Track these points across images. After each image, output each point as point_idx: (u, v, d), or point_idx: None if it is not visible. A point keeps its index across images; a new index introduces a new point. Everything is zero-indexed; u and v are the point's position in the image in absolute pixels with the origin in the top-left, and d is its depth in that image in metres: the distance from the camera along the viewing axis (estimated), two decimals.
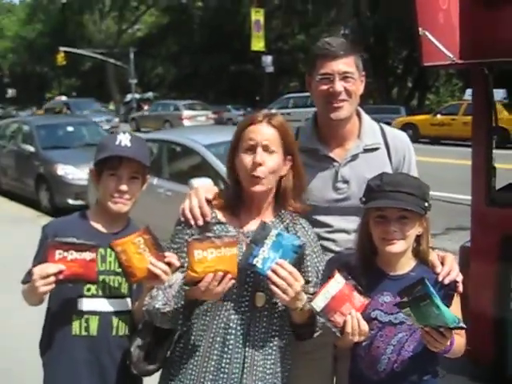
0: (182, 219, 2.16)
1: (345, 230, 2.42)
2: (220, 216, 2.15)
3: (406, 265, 2.16)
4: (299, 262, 2.08)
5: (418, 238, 2.15)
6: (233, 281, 1.90)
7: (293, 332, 2.14)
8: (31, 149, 11.82)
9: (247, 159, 2.07)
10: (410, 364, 2.09)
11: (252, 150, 2.07)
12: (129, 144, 2.20)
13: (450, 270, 2.15)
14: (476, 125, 3.93)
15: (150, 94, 50.57)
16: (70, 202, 10.41)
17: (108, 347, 2.21)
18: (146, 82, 50.14)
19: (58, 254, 1.99)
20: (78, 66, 51.72)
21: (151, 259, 2.00)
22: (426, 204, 2.09)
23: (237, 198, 2.15)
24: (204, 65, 41.71)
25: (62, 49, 42.75)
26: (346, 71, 2.34)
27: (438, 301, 1.86)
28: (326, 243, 2.37)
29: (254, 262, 1.92)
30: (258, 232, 1.98)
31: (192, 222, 2.12)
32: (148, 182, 2.34)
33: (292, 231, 2.15)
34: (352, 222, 2.37)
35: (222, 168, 6.70)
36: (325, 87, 2.35)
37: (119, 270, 2.12)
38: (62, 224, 2.31)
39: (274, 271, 1.92)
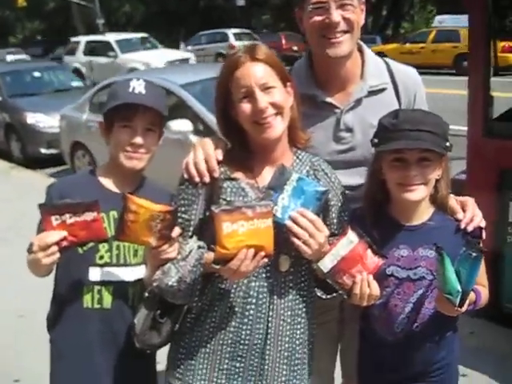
0: (186, 176, 1.89)
1: (349, 186, 2.14)
2: (230, 171, 1.88)
3: (424, 213, 1.95)
4: (324, 213, 1.88)
5: (435, 182, 1.92)
6: (266, 259, 1.67)
7: (317, 287, 1.95)
8: None
9: (247, 107, 1.80)
10: (430, 322, 1.91)
11: (248, 96, 1.80)
12: (143, 91, 1.95)
13: (472, 216, 1.94)
14: (472, 52, 3.69)
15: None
16: (43, 151, 10.14)
17: (123, 319, 2.02)
18: (114, 22, 48.33)
19: (55, 219, 1.77)
20: (40, 7, 49.54)
21: (153, 241, 1.75)
22: (447, 143, 1.86)
23: (246, 155, 1.89)
24: (172, 1, 40.28)
25: None
26: None
27: (448, 262, 1.68)
28: None
29: (273, 211, 1.70)
30: (276, 177, 1.75)
31: (197, 179, 1.86)
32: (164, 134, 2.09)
33: (313, 179, 1.92)
34: (357, 176, 2.12)
35: (200, 108, 6.46)
36: (319, 18, 2.02)
37: None
38: (68, 184, 2.10)
39: (293, 220, 1.71)
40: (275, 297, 1.84)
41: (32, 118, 10.25)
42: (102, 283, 1.99)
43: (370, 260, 1.76)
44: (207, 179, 1.85)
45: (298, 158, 1.96)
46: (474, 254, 1.69)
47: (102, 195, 1.96)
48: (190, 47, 29.47)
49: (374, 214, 1.95)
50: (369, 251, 1.76)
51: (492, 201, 3.73)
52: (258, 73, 1.80)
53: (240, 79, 1.80)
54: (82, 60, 21.87)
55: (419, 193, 1.86)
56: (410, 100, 2.19)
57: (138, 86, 1.95)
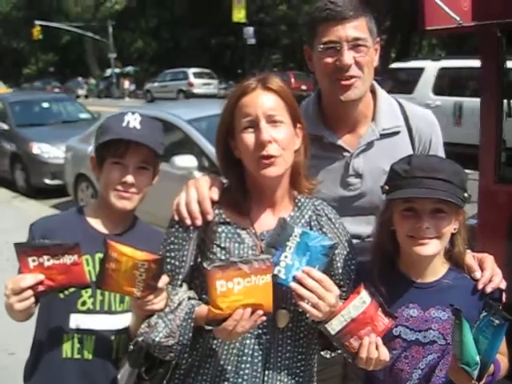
0: (176, 218, 1.72)
1: (358, 235, 1.99)
2: (226, 214, 1.72)
3: (437, 269, 1.78)
4: (329, 266, 1.70)
5: (451, 236, 1.76)
6: (264, 317, 1.51)
7: (322, 346, 1.79)
8: (5, 126, 11.25)
9: (250, 139, 1.64)
10: None
11: (253, 127, 1.64)
12: (138, 126, 1.82)
13: (491, 276, 1.76)
14: (484, 97, 3.59)
15: (130, 69, 49.60)
16: (47, 181, 10.03)
17: (105, 372, 1.83)
18: (126, 57, 49.05)
19: (32, 261, 1.63)
20: (55, 40, 50.42)
21: (137, 292, 1.61)
22: (466, 194, 1.71)
23: (243, 195, 1.73)
24: (184, 38, 40.88)
25: (38, 22, 41.66)
26: (356, 37, 1.87)
27: (467, 328, 1.51)
28: None
29: (276, 272, 1.54)
30: (278, 232, 1.59)
31: (188, 222, 1.69)
32: (159, 174, 1.96)
33: (316, 226, 1.76)
34: (366, 225, 1.97)
35: (205, 144, 6.37)
36: (330, 60, 1.89)
37: None
38: (53, 222, 1.94)
39: (299, 282, 1.53)
40: (272, 355, 1.68)
41: (37, 149, 10.17)
42: (84, 332, 1.83)
43: (380, 322, 1.60)
44: (199, 222, 1.69)
45: (299, 202, 1.80)
46: (497, 322, 1.52)
47: (88, 236, 1.84)
48: (156, 84, 32.97)
49: (382, 268, 1.79)
50: (379, 311, 1.61)
51: (503, 246, 3.58)
52: (267, 102, 1.65)
53: (246, 106, 1.65)
54: None
55: (431, 247, 1.70)
56: (425, 145, 2.06)
57: (132, 121, 1.83)
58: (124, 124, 1.82)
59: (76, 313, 1.82)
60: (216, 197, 1.72)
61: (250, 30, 33.61)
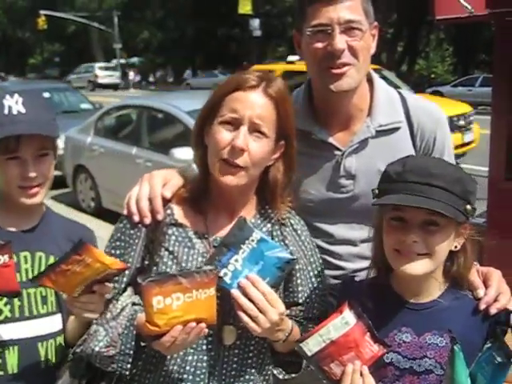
0: (125, 213, 1.59)
1: (350, 241, 1.83)
2: (178, 214, 1.58)
3: (434, 288, 1.56)
4: (287, 278, 1.57)
5: (451, 254, 1.54)
6: (207, 330, 1.38)
7: (275, 363, 1.63)
8: None
9: (223, 135, 1.49)
10: None
11: (233, 125, 1.49)
12: (22, 109, 1.61)
13: (497, 294, 1.54)
14: (497, 90, 3.42)
15: (135, 59, 49.45)
16: None
17: None
18: (131, 47, 48.87)
19: None
20: (60, 30, 50.18)
21: (76, 293, 1.45)
22: (468, 206, 1.46)
23: (203, 189, 1.58)
24: (190, 29, 40.68)
25: (43, 12, 41.48)
26: (349, 19, 1.67)
27: (460, 360, 1.33)
28: (325, 257, 1.79)
29: (221, 274, 1.41)
30: (234, 231, 1.45)
31: (136, 219, 1.56)
32: (58, 150, 1.76)
33: (278, 237, 1.61)
34: (360, 230, 1.79)
35: None
36: (320, 45, 1.69)
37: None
38: None
39: (242, 290, 1.40)
40: (216, 373, 1.53)
41: None
42: (4, 344, 1.62)
43: (367, 348, 1.41)
44: (148, 221, 1.55)
45: (261, 213, 1.65)
46: (499, 360, 1.34)
47: None
48: (74, 75, 37.91)
49: (373, 283, 1.61)
50: (367, 337, 1.42)
51: None
52: (259, 108, 1.50)
53: (237, 101, 1.50)
54: None
55: (418, 266, 1.46)
56: (428, 143, 1.84)
57: (14, 105, 1.60)
58: (6, 111, 1.60)
59: None
60: (169, 195, 1.58)
61: (256, 21, 33.40)
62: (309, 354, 1.41)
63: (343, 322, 1.41)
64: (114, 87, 31.05)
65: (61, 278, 1.43)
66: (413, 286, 1.55)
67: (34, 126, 1.60)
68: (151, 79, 44.79)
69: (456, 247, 1.52)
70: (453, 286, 1.58)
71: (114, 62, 44.03)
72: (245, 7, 31.47)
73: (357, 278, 1.71)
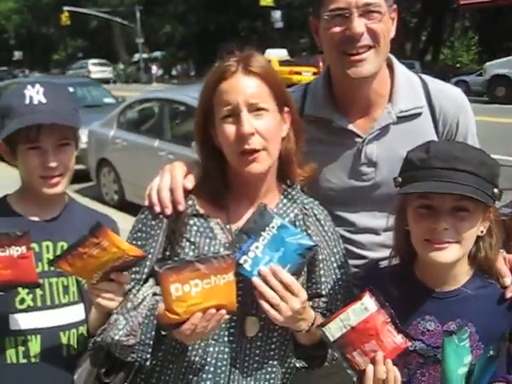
0: (147, 203, 1.57)
1: (372, 230, 1.79)
2: (200, 204, 1.55)
3: (459, 277, 1.52)
4: (310, 267, 1.53)
5: (477, 240, 1.49)
6: (227, 316, 1.35)
7: (298, 356, 1.60)
8: None
9: (230, 130, 1.46)
10: None
11: (233, 115, 1.46)
12: (43, 99, 1.59)
13: None
14: None
15: (157, 54, 49.59)
16: None
17: (58, 375, 1.64)
18: (154, 42, 49.05)
19: None
20: (83, 26, 50.57)
21: (95, 279, 1.44)
22: (495, 190, 1.42)
23: (222, 186, 1.55)
24: (212, 22, 40.65)
25: (66, 8, 41.85)
26: (367, 2, 1.62)
27: (450, 350, 1.33)
28: (347, 246, 1.75)
29: (241, 261, 1.38)
30: (255, 219, 1.42)
31: (158, 209, 1.54)
32: (80, 141, 1.75)
33: (302, 226, 1.57)
34: (382, 219, 1.74)
35: None
36: (338, 29, 1.65)
37: None
38: None
39: (263, 278, 1.37)
40: (238, 365, 1.50)
41: None
42: (27, 332, 1.62)
43: (388, 338, 1.37)
44: (169, 211, 1.53)
45: (286, 197, 1.62)
46: (491, 353, 1.32)
47: (15, 226, 1.59)
48: (71, 71, 40.35)
49: (397, 273, 1.56)
50: (389, 327, 1.38)
51: None
52: (248, 89, 1.46)
53: (226, 93, 1.47)
54: None
55: (450, 253, 1.43)
56: (451, 128, 1.79)
57: (35, 95, 1.59)
58: (27, 101, 1.58)
59: (15, 313, 1.62)
60: (190, 186, 1.56)
61: (278, 13, 33.28)
62: (331, 339, 1.38)
63: (362, 308, 1.38)
64: (105, 82, 32.79)
65: (78, 262, 1.42)
66: (439, 274, 1.51)
67: (55, 116, 1.59)
68: (174, 73, 44.84)
69: (482, 232, 1.48)
70: (479, 273, 1.53)
71: (137, 56, 44.27)
72: None
73: (381, 266, 1.67)
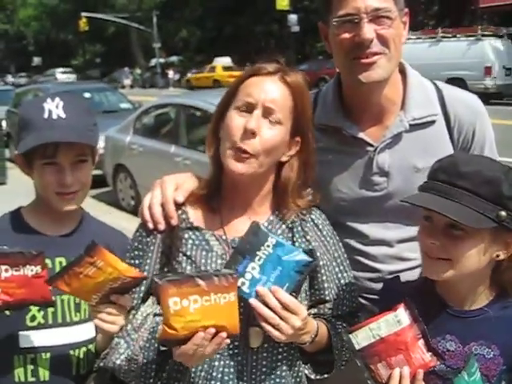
0: (140, 221, 1.56)
1: (385, 241, 1.74)
2: (194, 217, 1.53)
3: (481, 297, 1.46)
4: (312, 275, 1.51)
5: (498, 263, 1.43)
6: (228, 340, 1.31)
7: (306, 362, 1.57)
8: None
9: (237, 121, 1.45)
10: None
11: (248, 111, 1.44)
12: (62, 114, 1.57)
13: None
14: None
15: (174, 58, 49.80)
16: None
17: None
18: (171, 46, 49.29)
19: None
20: (101, 31, 51.03)
21: (94, 301, 1.41)
22: (503, 212, 1.33)
23: (216, 186, 1.53)
24: (228, 27, 40.73)
25: (84, 14, 42.26)
26: (377, 8, 1.58)
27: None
28: (359, 259, 1.72)
29: (239, 284, 1.34)
30: (249, 238, 1.39)
31: (150, 226, 1.52)
32: (97, 157, 1.72)
33: (299, 232, 1.54)
34: (396, 230, 1.71)
35: None
36: (347, 35, 1.61)
37: None
38: None
39: (261, 299, 1.34)
40: (245, 378, 1.47)
41: None
42: (37, 350, 1.59)
43: (418, 354, 1.33)
44: (162, 226, 1.51)
45: (277, 210, 1.58)
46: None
47: (35, 241, 1.60)
48: (42, 78, 43.61)
49: (419, 286, 1.52)
50: (420, 343, 1.34)
51: None
52: (273, 92, 1.46)
53: (251, 85, 1.47)
54: None
55: (439, 270, 1.39)
56: (466, 136, 1.73)
57: (54, 109, 1.56)
58: (45, 115, 1.55)
59: (25, 330, 1.59)
60: (181, 199, 1.53)
61: (294, 17, 33.25)
62: (357, 347, 1.34)
63: (396, 320, 1.33)
64: None
65: (75, 282, 1.40)
66: (456, 292, 1.46)
67: (73, 134, 1.56)
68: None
69: (498, 256, 1.40)
70: (502, 295, 1.47)
71: (154, 61, 44.51)
72: (282, 3, 31.36)
73: (402, 279, 1.62)
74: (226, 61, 35.73)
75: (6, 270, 1.42)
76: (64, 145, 1.56)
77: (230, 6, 40.64)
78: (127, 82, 43.01)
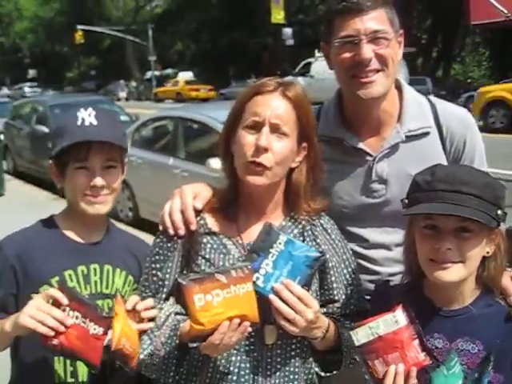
0: (161, 228, 1.66)
1: (384, 245, 1.87)
2: (211, 223, 1.65)
3: (467, 296, 1.56)
4: (321, 275, 1.62)
5: (483, 260, 1.53)
6: (250, 328, 1.43)
7: (316, 361, 1.67)
8: (45, 130, 11.44)
9: (248, 139, 1.56)
10: None
11: (256, 128, 1.56)
12: (94, 121, 1.68)
13: None
14: None
15: (169, 71, 50.04)
16: None
17: None
18: (166, 59, 49.56)
19: (63, 309, 1.47)
20: (96, 44, 51.28)
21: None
22: (499, 212, 1.47)
23: (233, 196, 1.65)
24: (223, 40, 40.99)
25: (80, 27, 42.50)
26: (375, 30, 1.73)
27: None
28: (360, 262, 1.84)
29: (254, 279, 1.46)
30: (262, 237, 1.51)
31: (171, 232, 1.63)
32: (126, 167, 1.82)
33: (310, 236, 1.66)
34: (394, 234, 1.83)
35: None
36: (347, 55, 1.76)
37: (107, 290, 1.67)
38: (24, 239, 1.75)
39: (277, 293, 1.46)
40: (260, 373, 1.57)
41: None
42: None
43: (412, 353, 1.43)
44: (182, 232, 1.62)
45: (291, 216, 1.70)
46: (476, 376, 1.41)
47: (69, 248, 1.71)
48: (12, 90, 48.24)
49: (406, 290, 1.62)
50: (415, 343, 1.43)
51: None
52: (277, 109, 1.57)
53: (257, 105, 1.58)
54: None
55: (453, 273, 1.47)
56: (458, 147, 1.87)
57: (87, 117, 1.68)
58: (79, 122, 1.67)
59: None
60: (200, 206, 1.65)
61: (289, 30, 33.51)
62: (356, 343, 1.45)
63: (393, 320, 1.44)
64: None
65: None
66: (446, 293, 1.56)
67: (106, 136, 1.67)
68: None
69: (488, 253, 1.52)
70: (485, 292, 1.58)
71: (149, 73, 44.71)
72: (277, 16, 31.59)
73: (391, 283, 1.72)
74: (189, 75, 40.36)
75: (77, 317, 1.47)
76: (96, 147, 1.66)
77: (225, 20, 40.91)
78: (122, 94, 43.13)
